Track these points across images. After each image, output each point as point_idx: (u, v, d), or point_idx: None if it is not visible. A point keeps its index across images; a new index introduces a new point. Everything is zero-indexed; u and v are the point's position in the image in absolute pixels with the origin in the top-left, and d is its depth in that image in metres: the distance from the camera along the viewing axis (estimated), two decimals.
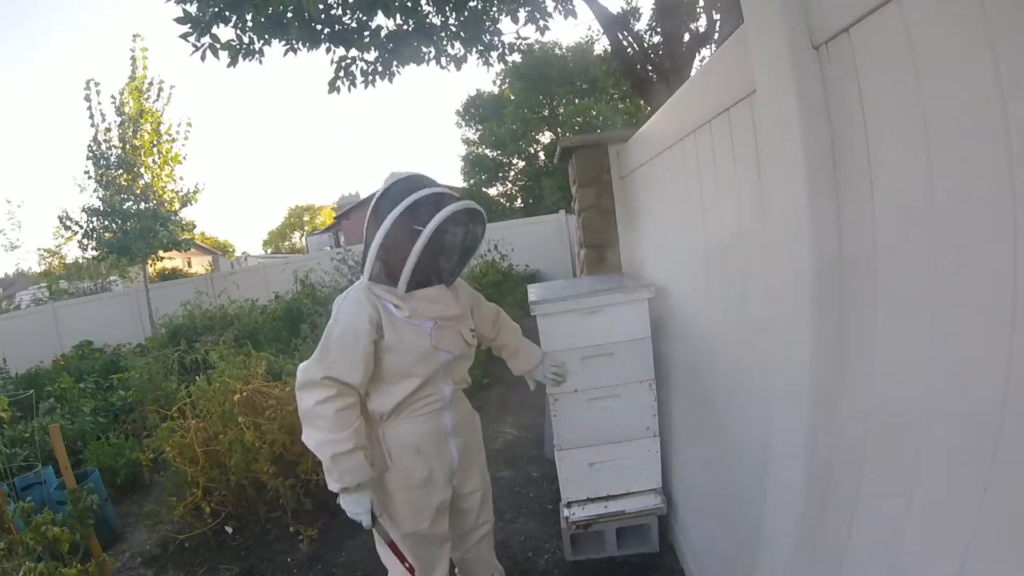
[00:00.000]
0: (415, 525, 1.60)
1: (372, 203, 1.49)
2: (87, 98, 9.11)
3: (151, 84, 9.32)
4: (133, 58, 9.17)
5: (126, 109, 9.18)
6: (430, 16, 4.71)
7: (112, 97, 9.19)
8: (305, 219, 46.93)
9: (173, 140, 9.65)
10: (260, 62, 4.46)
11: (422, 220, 1.37)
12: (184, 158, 9.80)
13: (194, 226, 10.72)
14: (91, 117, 9.18)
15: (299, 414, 1.50)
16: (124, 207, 9.29)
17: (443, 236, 1.42)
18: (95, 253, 9.81)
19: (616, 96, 15.26)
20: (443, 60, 5.00)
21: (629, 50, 5.59)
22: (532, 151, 16.83)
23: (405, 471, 1.56)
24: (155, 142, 9.41)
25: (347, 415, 1.45)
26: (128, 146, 9.18)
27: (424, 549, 1.64)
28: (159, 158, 9.50)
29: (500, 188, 17.70)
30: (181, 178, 10.06)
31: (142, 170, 9.34)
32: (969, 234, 0.65)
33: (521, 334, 1.94)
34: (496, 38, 5.19)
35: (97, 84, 9.11)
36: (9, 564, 1.95)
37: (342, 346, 1.44)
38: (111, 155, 9.23)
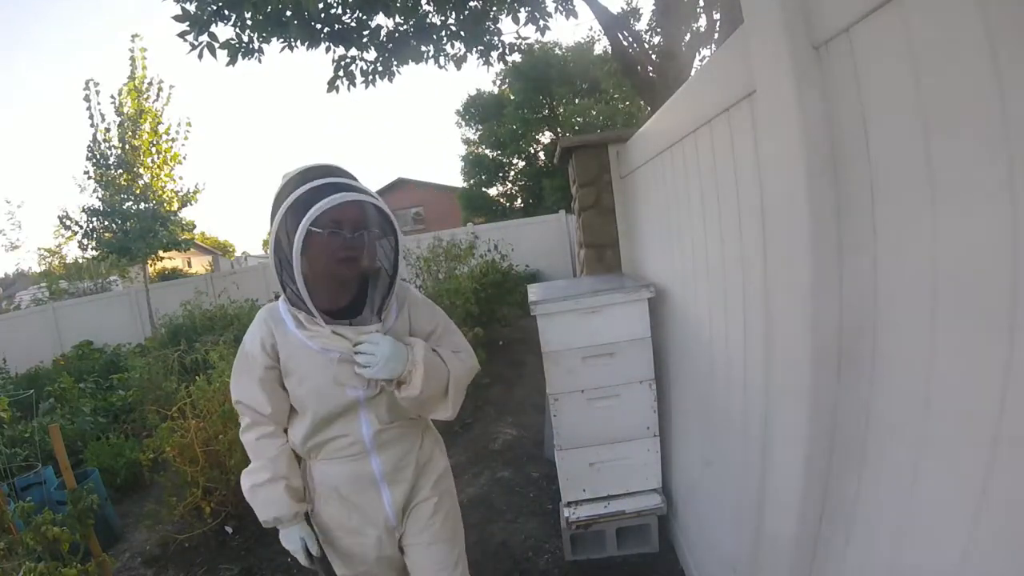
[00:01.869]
0: (354, 568, 1.38)
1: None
2: (86, 98, 9.12)
3: (150, 84, 9.33)
4: (132, 58, 9.18)
5: (125, 109, 9.19)
6: (430, 16, 4.71)
7: (112, 97, 9.21)
8: None
9: (173, 140, 9.66)
10: (259, 61, 4.47)
11: (293, 226, 1.09)
12: (184, 158, 9.82)
13: (194, 226, 10.74)
14: (91, 117, 9.20)
15: None
16: (124, 207, 9.30)
17: (326, 241, 1.11)
18: (95, 253, 9.81)
19: (616, 96, 15.25)
20: (443, 60, 5.01)
21: (629, 50, 5.58)
22: (532, 151, 16.82)
23: (331, 513, 1.33)
24: (154, 142, 9.42)
25: (265, 444, 1.28)
26: (128, 146, 9.19)
27: None
28: (159, 158, 9.50)
29: (500, 188, 17.69)
30: (181, 178, 10.10)
31: (141, 170, 9.35)
32: (970, 233, 0.65)
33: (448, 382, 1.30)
34: (496, 38, 5.19)
35: (96, 84, 9.13)
36: (9, 564, 1.95)
37: (241, 369, 1.28)
38: (111, 155, 9.24)
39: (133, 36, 9.34)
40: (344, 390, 1.23)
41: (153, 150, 9.43)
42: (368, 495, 1.31)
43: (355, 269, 1.18)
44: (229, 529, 2.87)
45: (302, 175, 1.16)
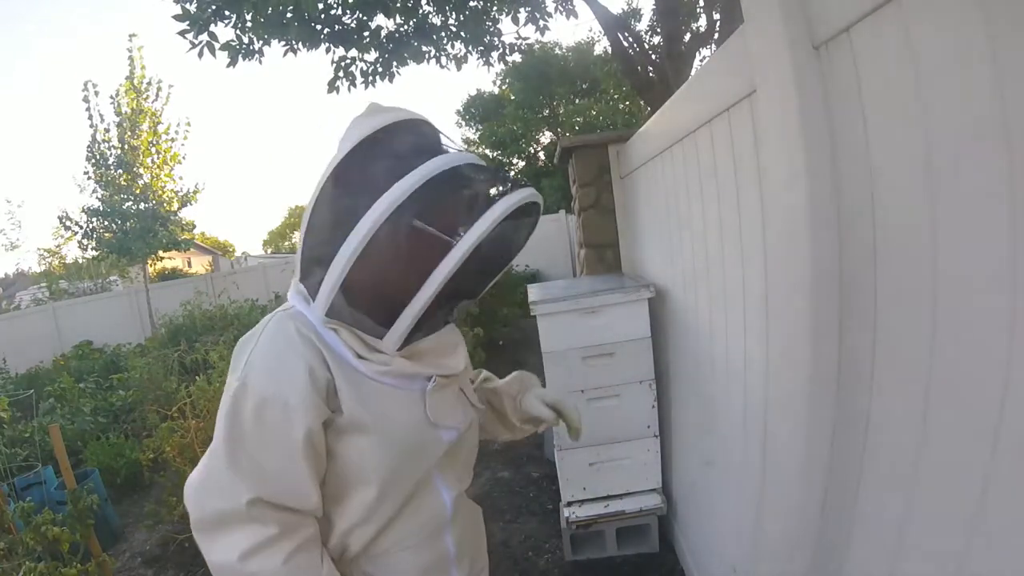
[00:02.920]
0: None
1: (331, 164, 0.75)
2: (86, 99, 9.14)
3: (149, 84, 9.34)
4: (131, 58, 9.19)
5: (123, 109, 9.20)
6: (430, 16, 4.72)
7: (111, 98, 9.22)
8: None
9: (172, 140, 9.68)
10: (260, 62, 4.47)
11: (447, 220, 0.71)
12: (183, 158, 9.84)
13: (194, 226, 10.78)
14: (90, 118, 9.22)
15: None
16: (124, 207, 9.32)
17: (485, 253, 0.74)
18: (95, 253, 9.83)
19: (616, 96, 15.26)
20: (443, 60, 5.01)
21: (630, 50, 5.58)
22: (532, 151, 16.82)
23: None
24: (154, 142, 9.43)
25: (305, 563, 0.76)
26: (127, 146, 9.20)
27: None
28: (158, 158, 9.52)
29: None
30: (180, 178, 10.14)
31: (141, 170, 9.36)
32: (969, 232, 0.65)
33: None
34: (496, 38, 5.20)
35: (95, 85, 9.16)
36: (9, 564, 1.95)
37: (260, 436, 0.75)
38: (110, 155, 9.25)
39: (130, 36, 9.36)
40: (439, 435, 0.85)
41: (153, 150, 9.46)
42: None
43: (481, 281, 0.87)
44: None
45: (417, 125, 0.78)
